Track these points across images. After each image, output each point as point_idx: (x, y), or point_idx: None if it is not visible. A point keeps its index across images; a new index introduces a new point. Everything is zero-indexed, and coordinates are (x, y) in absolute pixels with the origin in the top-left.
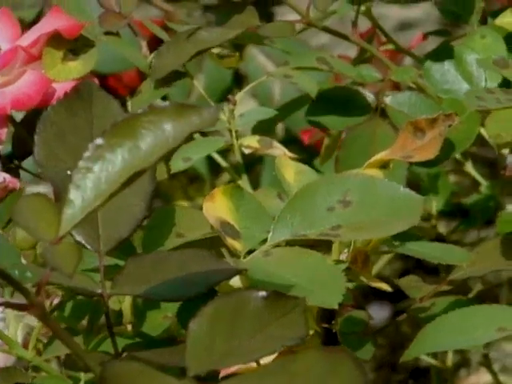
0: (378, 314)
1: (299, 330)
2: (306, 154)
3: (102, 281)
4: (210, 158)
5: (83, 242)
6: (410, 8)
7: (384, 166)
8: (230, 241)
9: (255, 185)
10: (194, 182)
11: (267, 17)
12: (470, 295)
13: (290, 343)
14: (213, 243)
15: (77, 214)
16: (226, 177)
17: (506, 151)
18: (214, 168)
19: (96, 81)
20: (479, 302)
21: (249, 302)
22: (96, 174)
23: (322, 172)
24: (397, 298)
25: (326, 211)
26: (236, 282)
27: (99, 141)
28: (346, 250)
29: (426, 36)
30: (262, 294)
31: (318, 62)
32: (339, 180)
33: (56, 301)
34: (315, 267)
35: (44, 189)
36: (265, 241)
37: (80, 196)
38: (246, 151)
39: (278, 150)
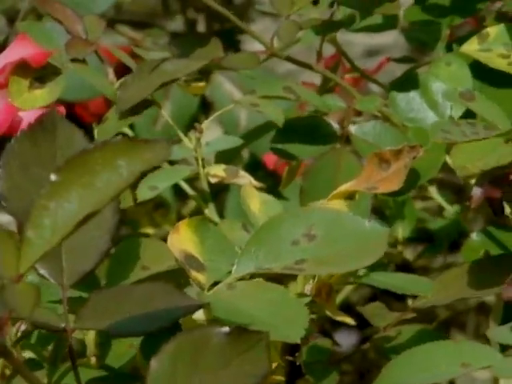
0: (346, 340)
1: (262, 366)
2: (271, 179)
3: (65, 314)
4: (176, 185)
5: (46, 275)
6: (377, 34)
7: (349, 197)
8: (194, 273)
9: (222, 212)
10: (161, 209)
11: (234, 45)
12: (437, 322)
13: (252, 381)
14: (179, 275)
15: (35, 252)
16: (192, 203)
17: (472, 180)
18: (181, 194)
19: (62, 109)
20: (445, 330)
21: (211, 338)
22: (52, 212)
23: (286, 198)
24: (366, 323)
25: (290, 245)
26: (200, 314)
27: (54, 177)
28: (310, 282)
29: (389, 59)
30: (225, 329)
31: (285, 90)
32: (304, 213)
33: (23, 327)
34: (278, 301)
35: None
36: (229, 273)
37: (38, 234)
38: (213, 180)
39: (244, 179)
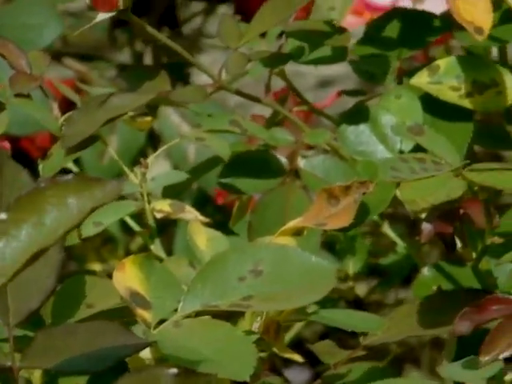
0: (297, 377)
1: None
2: (221, 213)
3: (11, 353)
4: (124, 219)
5: None
6: (329, 65)
7: (297, 233)
8: (139, 311)
9: (170, 248)
10: (108, 244)
11: (183, 77)
12: (390, 358)
13: None
14: (125, 313)
15: None
16: (140, 238)
17: (423, 215)
18: (129, 229)
19: (8, 144)
20: (399, 365)
21: (159, 379)
22: (0, 251)
23: (236, 234)
24: (318, 360)
25: (237, 281)
26: (147, 353)
27: (3, 216)
28: (258, 319)
29: (340, 93)
30: (173, 371)
31: (231, 124)
32: (250, 249)
33: None
34: (226, 339)
35: None
36: (176, 311)
37: None
38: (158, 215)
39: (191, 215)
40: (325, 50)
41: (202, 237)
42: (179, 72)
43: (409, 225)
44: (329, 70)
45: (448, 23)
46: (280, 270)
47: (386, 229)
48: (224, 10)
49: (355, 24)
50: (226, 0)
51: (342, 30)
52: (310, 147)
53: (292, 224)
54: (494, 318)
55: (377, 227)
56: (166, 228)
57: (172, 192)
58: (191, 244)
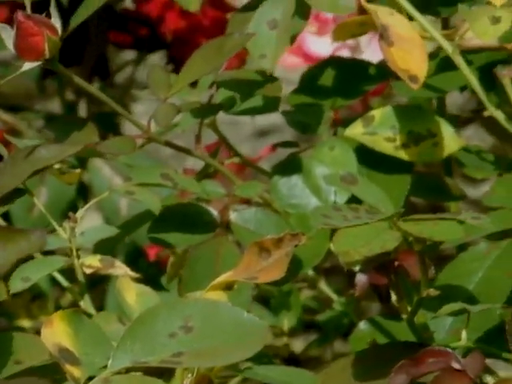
0: None
1: None
2: (153, 268)
3: None
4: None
5: None
6: (266, 114)
7: (228, 287)
8: (68, 368)
9: (102, 303)
10: (38, 300)
11: (114, 128)
12: None
13: None
14: (54, 369)
15: None
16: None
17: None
18: (60, 284)
19: None
20: None
21: None
22: None
23: (168, 290)
24: None
25: (167, 337)
26: None
27: None
28: (189, 375)
29: (274, 147)
30: None
31: (162, 177)
32: (180, 305)
33: None
34: None
35: None
36: (105, 368)
37: None
38: (88, 271)
39: (121, 270)
40: (257, 100)
41: (132, 292)
42: (110, 122)
43: (348, 278)
44: (266, 119)
45: (385, 72)
46: (210, 325)
47: (322, 283)
48: (156, 58)
49: (298, 64)
50: (158, 48)
51: (273, 80)
52: (243, 200)
53: (223, 278)
54: (430, 371)
55: (313, 281)
56: (98, 282)
57: (103, 247)
58: (120, 300)
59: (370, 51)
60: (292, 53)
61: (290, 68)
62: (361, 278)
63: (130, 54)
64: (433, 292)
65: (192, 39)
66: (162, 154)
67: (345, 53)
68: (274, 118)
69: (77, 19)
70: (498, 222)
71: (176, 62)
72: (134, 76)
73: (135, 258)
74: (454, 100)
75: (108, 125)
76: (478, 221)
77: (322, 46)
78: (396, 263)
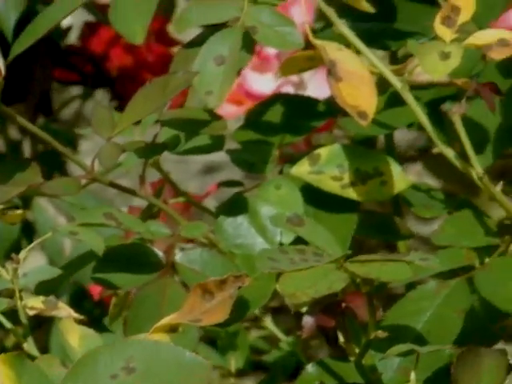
0: None
1: None
2: (98, 309)
3: None
4: None
5: None
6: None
7: (173, 329)
8: None
9: (46, 344)
10: None
11: (59, 167)
12: None
13: None
14: None
15: None
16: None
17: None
18: (2, 326)
19: None
20: None
21: None
22: None
23: (112, 331)
24: None
25: (109, 379)
26: None
27: None
28: None
29: (219, 186)
30: None
31: (105, 217)
32: (122, 346)
33: None
34: None
35: None
36: None
37: None
38: (31, 312)
39: (64, 312)
40: (202, 139)
41: (75, 335)
42: (56, 161)
43: (297, 317)
44: (215, 155)
45: (332, 109)
46: (153, 366)
47: (270, 323)
48: (102, 94)
49: (235, 113)
50: (103, 85)
51: (218, 118)
52: (189, 240)
53: (167, 320)
54: None
55: (261, 321)
56: (43, 322)
57: (46, 288)
58: (63, 342)
59: (314, 87)
60: (230, 98)
61: (226, 117)
62: (307, 320)
63: (76, 90)
64: (381, 334)
65: (137, 75)
66: (109, 191)
67: (288, 89)
68: (223, 155)
69: (18, 47)
70: (446, 261)
71: (121, 98)
72: (80, 112)
73: (80, 298)
74: (403, 136)
75: (53, 163)
76: (425, 261)
77: (264, 83)
78: (343, 304)
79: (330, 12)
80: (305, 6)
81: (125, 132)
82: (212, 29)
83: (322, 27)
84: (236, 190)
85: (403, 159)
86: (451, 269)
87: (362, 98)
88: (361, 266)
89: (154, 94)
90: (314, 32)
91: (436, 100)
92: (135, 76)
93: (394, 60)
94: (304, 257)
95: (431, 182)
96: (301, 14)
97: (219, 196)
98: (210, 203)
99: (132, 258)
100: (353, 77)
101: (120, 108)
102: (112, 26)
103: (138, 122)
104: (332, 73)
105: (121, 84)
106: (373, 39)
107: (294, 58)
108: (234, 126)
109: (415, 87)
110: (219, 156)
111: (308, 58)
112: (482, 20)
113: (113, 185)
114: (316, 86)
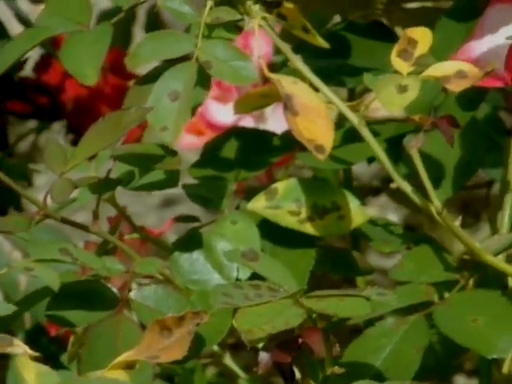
0: None
1: None
2: (54, 346)
3: None
4: None
5: None
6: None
7: (130, 366)
8: None
9: (3, 381)
10: None
11: (15, 202)
12: None
13: None
14: None
15: None
16: None
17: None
18: None
19: None
20: None
21: None
22: None
23: (69, 369)
24: None
25: None
26: None
27: None
28: None
29: (176, 221)
30: None
31: (61, 252)
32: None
33: None
34: None
35: None
36: None
37: None
38: None
39: (19, 349)
40: (156, 174)
41: (31, 372)
42: (11, 196)
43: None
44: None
45: (290, 143)
46: None
47: (228, 359)
48: (58, 127)
49: (195, 144)
50: (58, 117)
51: (173, 153)
52: (146, 276)
53: (123, 357)
54: None
55: (218, 357)
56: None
57: (1, 324)
58: (19, 380)
59: (274, 120)
60: (191, 128)
61: (186, 148)
62: (263, 356)
63: (33, 123)
64: (337, 370)
65: (93, 107)
66: (66, 225)
67: (249, 121)
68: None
69: None
70: (405, 297)
71: (77, 131)
72: (36, 145)
73: (36, 334)
74: (366, 167)
75: (8, 199)
76: (383, 297)
77: (225, 113)
78: (300, 340)
79: (286, 47)
80: (261, 39)
81: (80, 167)
82: (167, 62)
83: (283, 60)
84: (194, 224)
85: (366, 191)
86: (410, 304)
87: (319, 132)
88: (318, 301)
89: (108, 130)
90: (274, 65)
91: (397, 135)
92: (91, 108)
93: (352, 97)
94: (259, 292)
95: (396, 213)
96: (260, 47)
97: (180, 229)
98: (169, 237)
99: (87, 294)
100: (309, 110)
101: (76, 141)
102: (63, 65)
103: (93, 157)
104: (288, 107)
105: (76, 117)
106: (329, 76)
107: (248, 95)
108: (196, 156)
109: (376, 122)
110: (178, 188)
111: (263, 95)
112: (440, 52)
113: (65, 221)
114: (277, 119)
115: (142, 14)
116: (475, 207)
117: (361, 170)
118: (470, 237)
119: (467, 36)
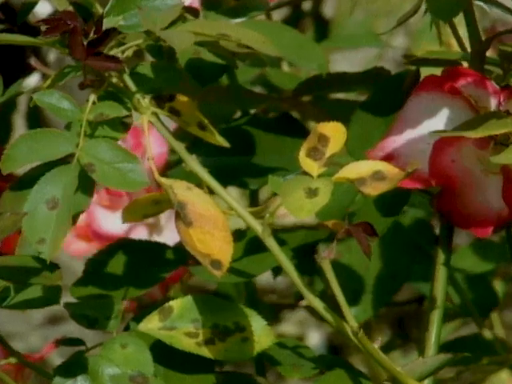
0: None
1: None
2: None
3: None
4: None
5: None
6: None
7: None
8: None
9: None
10: None
11: None
12: None
13: None
14: None
15: None
16: None
17: None
18: None
19: None
20: None
21: None
22: None
23: None
24: None
25: None
26: None
27: None
28: None
29: (58, 344)
30: None
31: None
32: None
33: None
34: None
35: None
36: None
37: None
38: None
39: None
40: (35, 291)
41: None
42: None
43: None
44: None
45: (184, 256)
46: None
47: None
48: None
49: (86, 250)
50: None
51: (53, 268)
52: None
53: None
54: None
55: None
56: None
57: None
58: None
59: (171, 229)
60: (79, 233)
61: (75, 255)
62: None
63: None
64: None
65: None
66: None
67: (142, 231)
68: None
69: None
70: None
71: None
72: None
73: None
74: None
75: None
76: None
77: (115, 222)
78: None
79: (179, 146)
80: (153, 137)
81: None
82: (46, 164)
83: (178, 159)
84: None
85: (284, 305)
86: None
87: (215, 245)
88: None
89: None
90: (171, 166)
91: (307, 244)
92: None
93: (255, 201)
94: None
95: (319, 331)
96: (152, 147)
97: (66, 350)
98: (57, 359)
99: None
100: (205, 221)
101: None
102: None
103: None
104: (181, 216)
105: None
106: (230, 176)
107: (137, 201)
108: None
109: (281, 230)
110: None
111: (154, 202)
112: (356, 149)
113: None
114: (174, 228)
115: (22, 103)
116: (409, 325)
117: (278, 280)
118: (396, 359)
119: (386, 129)
